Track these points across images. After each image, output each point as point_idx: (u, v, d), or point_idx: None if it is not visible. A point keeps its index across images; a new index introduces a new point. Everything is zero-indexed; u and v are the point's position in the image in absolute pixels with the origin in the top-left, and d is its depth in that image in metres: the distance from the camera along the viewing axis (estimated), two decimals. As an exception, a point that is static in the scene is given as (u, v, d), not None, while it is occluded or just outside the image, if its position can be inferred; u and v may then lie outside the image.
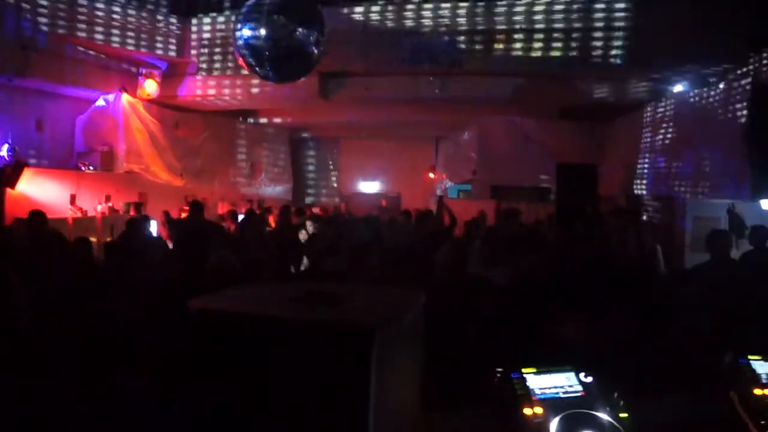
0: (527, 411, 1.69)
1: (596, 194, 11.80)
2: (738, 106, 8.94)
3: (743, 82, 8.97)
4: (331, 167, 20.51)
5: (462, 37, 11.24)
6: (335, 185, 20.42)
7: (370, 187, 20.23)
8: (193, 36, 12.37)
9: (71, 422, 2.25)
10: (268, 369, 1.30)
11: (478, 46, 11.26)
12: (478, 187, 15.40)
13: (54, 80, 11.13)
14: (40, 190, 10.37)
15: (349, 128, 18.25)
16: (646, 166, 12.08)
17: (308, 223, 7.89)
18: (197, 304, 1.35)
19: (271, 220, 10.86)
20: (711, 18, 9.15)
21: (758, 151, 8.44)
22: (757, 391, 1.83)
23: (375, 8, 11.39)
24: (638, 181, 12.26)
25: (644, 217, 9.32)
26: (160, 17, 12.03)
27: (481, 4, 11.11)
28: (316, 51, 7.49)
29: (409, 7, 11.33)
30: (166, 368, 2.38)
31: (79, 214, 10.73)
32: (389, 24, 11.35)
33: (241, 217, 10.14)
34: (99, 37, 11.17)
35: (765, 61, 8.65)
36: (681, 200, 10.40)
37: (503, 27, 11.07)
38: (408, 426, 1.52)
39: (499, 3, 11.05)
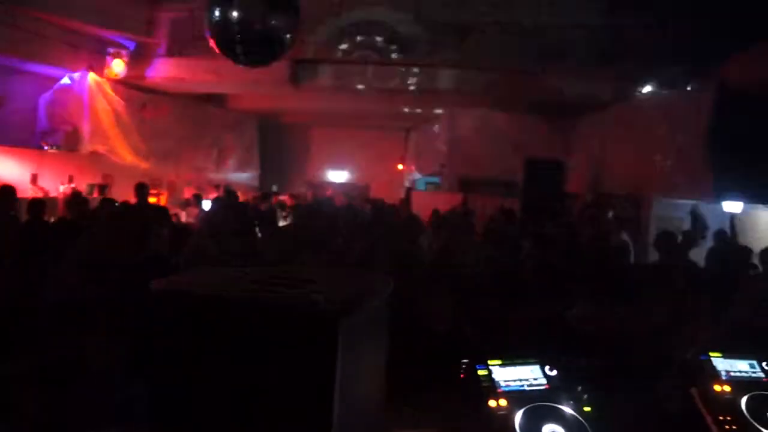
0: (492, 403, 1.70)
1: (563, 190, 11.92)
2: (703, 108, 9.08)
3: (709, 85, 9.10)
4: (300, 155, 20.38)
5: (435, 29, 11.24)
6: (303, 173, 20.30)
7: (338, 176, 20.18)
8: (163, 16, 12.16)
9: (35, 399, 2.22)
10: (231, 350, 1.27)
11: (449, 38, 11.28)
12: (446, 180, 15.45)
13: (17, 55, 10.84)
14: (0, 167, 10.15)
15: (319, 116, 18.16)
16: (613, 163, 12.21)
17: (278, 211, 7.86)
18: (159, 284, 1.32)
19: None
20: (680, 22, 9.28)
21: (720, 153, 8.59)
22: (717, 387, 1.86)
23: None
24: (605, 179, 12.40)
25: (611, 214, 9.42)
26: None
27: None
28: (288, 36, 7.40)
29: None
30: (128, 347, 2.35)
31: (40, 194, 10.50)
32: (362, 13, 11.29)
33: (206, 202, 10.03)
34: (65, 12, 10.88)
35: (729, 66, 8.78)
36: (646, 199, 10.55)
37: (475, 20, 11.09)
38: (372, 412, 1.50)
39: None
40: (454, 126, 15.35)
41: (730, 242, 7.65)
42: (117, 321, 3.05)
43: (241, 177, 17.35)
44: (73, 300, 3.20)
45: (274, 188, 16.62)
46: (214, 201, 9.64)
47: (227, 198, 8.83)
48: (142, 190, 8.65)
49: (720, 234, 7.90)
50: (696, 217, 8.86)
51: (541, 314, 3.05)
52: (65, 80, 12.19)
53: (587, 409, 1.69)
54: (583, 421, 1.66)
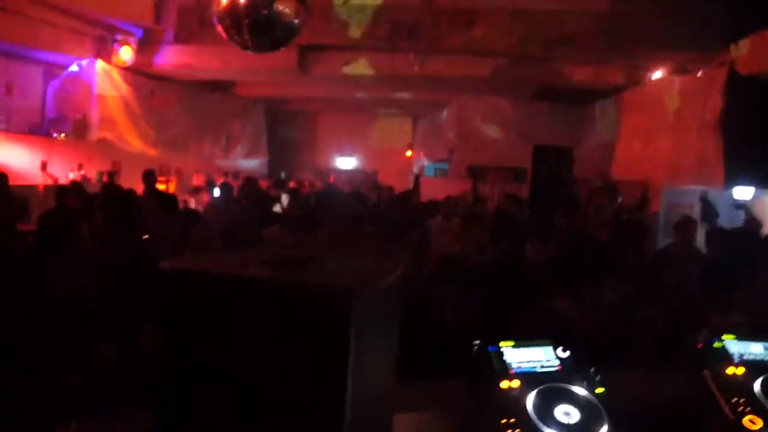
0: (504, 384, 1.69)
1: (571, 177, 11.89)
2: (714, 95, 9.01)
3: (720, 71, 9.04)
4: (308, 142, 20.38)
5: (442, 16, 11.17)
6: (311, 160, 20.30)
7: (347, 163, 20.17)
8: (171, 3, 12.12)
9: (42, 387, 2.23)
10: (241, 332, 1.27)
11: (457, 25, 11.20)
12: (455, 167, 15.43)
13: (25, 43, 10.85)
14: (9, 155, 10.18)
15: (327, 103, 18.13)
16: (621, 150, 12.16)
17: (283, 196, 7.86)
18: (168, 265, 1.32)
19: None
20: (691, 6, 9.20)
21: (731, 140, 8.55)
22: (730, 370, 1.85)
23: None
24: (614, 165, 12.35)
25: (620, 200, 9.38)
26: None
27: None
28: (296, 21, 7.37)
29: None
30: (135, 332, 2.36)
31: (50, 182, 10.55)
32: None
33: (216, 190, 10.05)
34: (72, 0, 10.87)
35: (742, 51, 8.71)
36: (655, 186, 10.52)
37: (484, 6, 11.02)
38: (384, 395, 1.50)
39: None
40: (462, 113, 15.32)
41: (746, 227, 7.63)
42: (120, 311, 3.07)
43: (250, 164, 17.37)
44: (73, 294, 3.21)
45: (283, 175, 16.64)
46: (222, 187, 9.64)
47: (249, 187, 8.72)
48: (149, 177, 8.64)
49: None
50: (707, 204, 8.83)
51: (552, 303, 3.04)
52: (73, 68, 12.21)
53: (600, 390, 1.68)
54: (596, 401, 1.66)
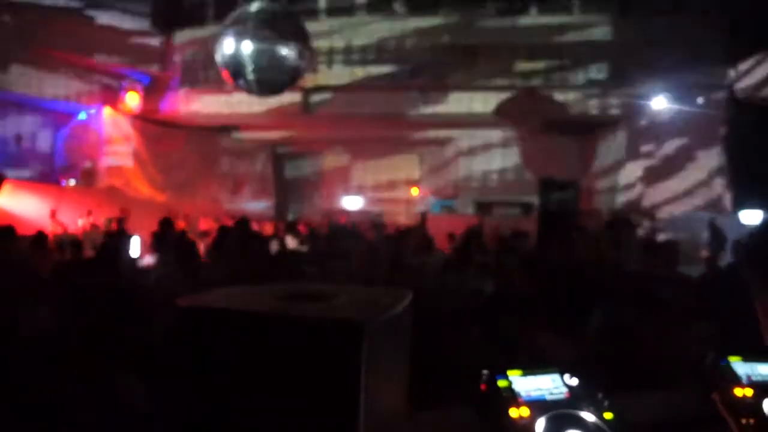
0: (513, 413, 1.70)
1: (579, 209, 11.90)
2: (716, 119, 9.08)
3: (721, 95, 9.12)
4: (314, 183, 20.48)
5: (445, 53, 11.33)
6: (318, 201, 20.38)
7: (352, 202, 20.23)
8: (176, 50, 12.36)
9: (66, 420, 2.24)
10: (255, 366, 1.29)
11: (459, 61, 11.36)
12: (461, 203, 15.47)
13: (34, 93, 11.06)
14: (20, 204, 10.28)
15: (332, 143, 18.27)
16: (628, 180, 12.19)
17: (288, 237, 7.86)
18: (184, 302, 1.34)
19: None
20: (688, 34, 9.31)
21: (736, 164, 8.58)
22: (738, 392, 1.85)
23: (357, 20, 11.45)
24: (620, 196, 12.37)
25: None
26: (141, 30, 12.01)
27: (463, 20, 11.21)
28: (299, 65, 7.50)
29: (393, 21, 11.40)
30: (154, 367, 2.37)
31: (60, 230, 10.63)
32: (373, 39, 11.41)
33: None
34: (79, 49, 11.10)
35: (741, 75, 8.80)
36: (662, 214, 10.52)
37: (485, 43, 11.18)
38: (395, 424, 1.51)
39: (481, 19, 11.16)
40: (467, 148, 15.41)
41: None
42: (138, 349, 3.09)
43: (257, 206, 17.44)
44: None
45: (290, 217, 16.70)
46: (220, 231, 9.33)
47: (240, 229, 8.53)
48: (168, 224, 8.36)
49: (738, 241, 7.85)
50: (715, 230, 8.81)
51: (560, 328, 3.04)
52: (82, 116, 12.40)
53: (608, 415, 1.69)
54: (605, 427, 1.66)
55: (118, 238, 8.03)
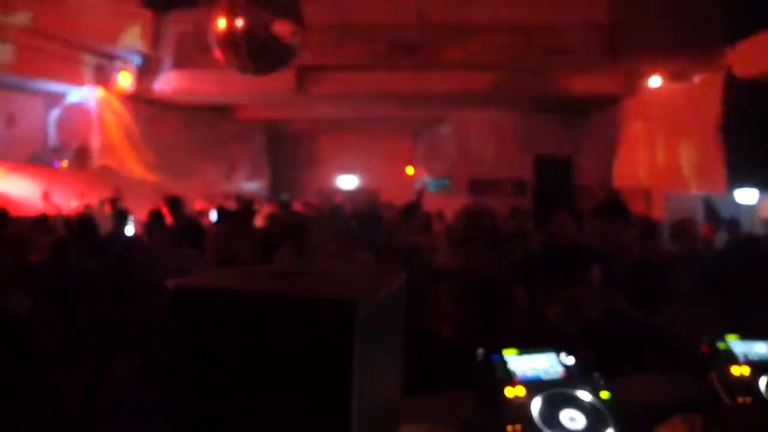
0: (509, 392, 1.69)
1: (574, 186, 11.90)
2: (713, 99, 9.04)
3: (717, 75, 9.06)
4: (309, 163, 20.41)
5: (439, 31, 11.23)
6: (313, 181, 20.32)
7: (348, 181, 20.19)
8: (169, 29, 12.23)
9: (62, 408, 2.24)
10: (246, 346, 1.27)
11: (455, 40, 11.27)
12: (456, 182, 15.45)
13: (24, 74, 10.93)
14: (12, 186, 10.23)
15: (327, 123, 18.19)
16: (623, 158, 12.17)
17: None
18: (173, 283, 1.33)
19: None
20: (686, 12, 9.25)
21: (732, 143, 8.56)
22: (735, 370, 1.85)
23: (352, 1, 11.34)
24: (616, 174, 12.36)
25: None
26: (133, 9, 11.86)
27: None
28: (294, 43, 7.43)
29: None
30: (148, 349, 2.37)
31: (53, 211, 10.58)
32: (365, 18, 11.30)
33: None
34: (70, 28, 10.95)
35: (738, 54, 8.74)
36: (658, 193, 10.52)
37: (479, 20, 11.08)
38: (389, 407, 1.50)
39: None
40: (462, 127, 15.37)
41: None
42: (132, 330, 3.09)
43: (251, 187, 17.39)
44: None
45: (285, 197, 16.66)
46: (220, 213, 9.30)
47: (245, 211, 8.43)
48: (176, 204, 8.12)
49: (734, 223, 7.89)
50: (711, 210, 8.82)
51: (555, 309, 3.03)
52: (73, 96, 12.29)
53: (605, 394, 1.68)
54: (601, 406, 1.66)
55: (117, 218, 7.96)
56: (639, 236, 5.65)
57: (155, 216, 7.11)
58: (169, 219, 7.25)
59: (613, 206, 9.36)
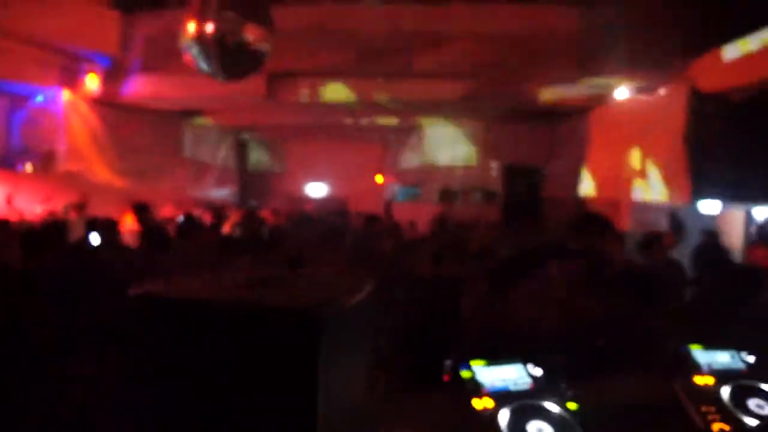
0: (476, 404, 1.69)
1: (541, 196, 12.01)
2: (677, 111, 9.20)
3: (682, 88, 9.23)
4: (278, 170, 20.31)
5: (410, 40, 11.27)
6: (282, 188, 20.21)
7: (317, 189, 20.12)
8: (138, 32, 12.08)
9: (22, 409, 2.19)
10: (211, 355, 1.26)
11: (426, 49, 11.32)
12: (426, 191, 15.51)
13: (-12, 75, 10.73)
14: (-26, 189, 10.01)
15: (296, 130, 18.13)
16: (591, 168, 12.32)
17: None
18: (137, 290, 1.30)
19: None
20: (654, 25, 9.40)
21: (695, 155, 8.72)
22: (698, 380, 1.87)
23: (323, 8, 11.34)
24: (584, 183, 12.50)
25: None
26: (102, 11, 11.69)
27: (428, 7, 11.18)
28: (264, 49, 7.40)
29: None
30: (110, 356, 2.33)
31: (16, 216, 10.37)
32: (337, 24, 11.30)
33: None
34: (37, 28, 10.74)
35: (702, 68, 8.92)
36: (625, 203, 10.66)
37: (450, 30, 11.15)
38: (357, 413, 1.49)
39: (446, 6, 11.13)
40: (432, 136, 15.44)
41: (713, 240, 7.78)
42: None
43: (220, 193, 17.25)
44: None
45: (253, 204, 16.55)
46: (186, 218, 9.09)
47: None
48: (142, 211, 7.99)
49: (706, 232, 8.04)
50: (676, 221, 8.97)
51: (525, 313, 3.04)
52: (39, 98, 12.07)
53: (572, 405, 1.69)
54: (569, 417, 1.66)
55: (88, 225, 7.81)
56: (640, 246, 5.71)
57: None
58: (135, 225, 7.17)
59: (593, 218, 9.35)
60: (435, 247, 5.49)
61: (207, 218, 10.13)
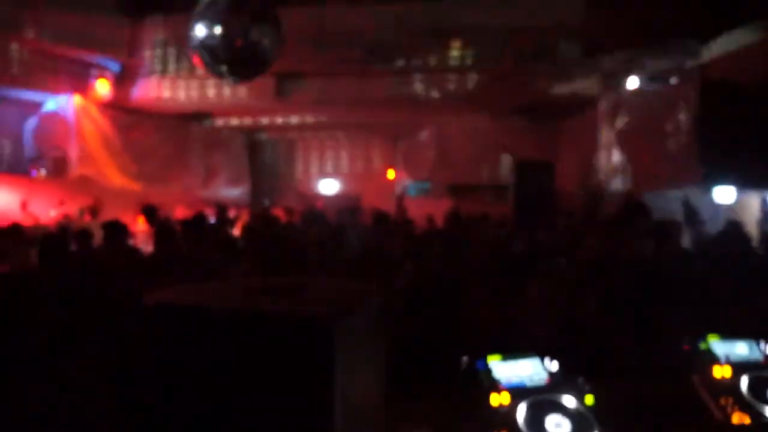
0: (494, 399, 1.69)
1: (553, 190, 11.93)
2: (688, 98, 9.13)
3: (692, 75, 9.16)
4: (289, 168, 20.33)
5: (417, 36, 11.26)
6: (293, 186, 20.22)
7: (329, 186, 20.13)
8: (146, 36, 12.14)
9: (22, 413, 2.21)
10: (226, 364, 1.26)
11: (433, 45, 11.30)
12: (436, 186, 15.49)
13: (0, 83, 10.81)
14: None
15: (307, 128, 18.15)
16: (602, 160, 12.25)
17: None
18: (151, 299, 1.31)
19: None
20: (662, 13, 9.33)
21: (707, 142, 8.64)
22: (717, 371, 1.86)
23: (330, 8, 11.34)
24: (596, 176, 12.42)
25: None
26: (111, 17, 11.75)
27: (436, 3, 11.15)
28: (272, 50, 7.41)
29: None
30: (120, 363, 2.34)
31: (31, 222, 10.45)
32: (344, 23, 11.30)
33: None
34: (47, 37, 10.84)
35: (713, 54, 8.85)
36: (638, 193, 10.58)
37: (457, 26, 11.13)
38: (373, 416, 1.50)
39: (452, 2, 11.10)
40: (441, 132, 15.41)
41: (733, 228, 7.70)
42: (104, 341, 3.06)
43: (231, 193, 17.29)
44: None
45: (266, 202, 16.59)
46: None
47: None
48: (152, 213, 8.07)
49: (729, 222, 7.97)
50: (689, 208, 8.90)
51: (541, 310, 3.04)
52: (50, 105, 12.16)
53: (589, 399, 1.69)
54: (585, 411, 1.66)
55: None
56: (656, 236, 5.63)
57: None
58: (146, 226, 7.22)
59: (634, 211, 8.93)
60: (449, 242, 5.49)
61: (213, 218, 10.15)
